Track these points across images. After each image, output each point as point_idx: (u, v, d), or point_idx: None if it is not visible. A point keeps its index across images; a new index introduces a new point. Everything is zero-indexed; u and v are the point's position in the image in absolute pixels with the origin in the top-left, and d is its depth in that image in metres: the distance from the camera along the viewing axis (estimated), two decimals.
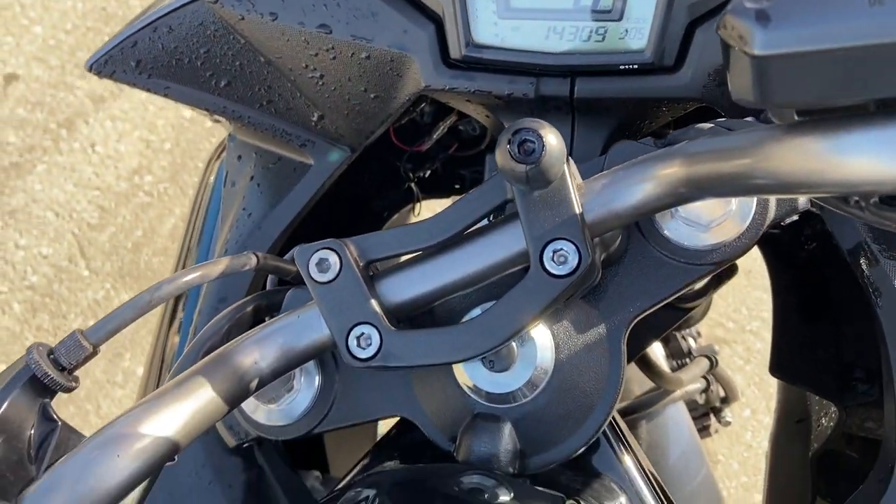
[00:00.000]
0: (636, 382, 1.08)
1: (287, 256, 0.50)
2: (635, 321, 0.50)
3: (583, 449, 0.50)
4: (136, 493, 0.45)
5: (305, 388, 0.54)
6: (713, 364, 1.11)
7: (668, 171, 0.41)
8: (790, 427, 0.82)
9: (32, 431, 0.40)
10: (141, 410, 0.40)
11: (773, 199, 0.48)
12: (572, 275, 0.42)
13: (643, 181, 0.42)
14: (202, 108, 0.67)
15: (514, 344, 0.49)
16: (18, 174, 2.33)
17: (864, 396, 0.65)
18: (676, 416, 1.06)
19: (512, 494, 0.43)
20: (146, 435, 0.39)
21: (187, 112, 2.44)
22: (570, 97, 0.56)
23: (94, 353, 0.43)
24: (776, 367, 0.72)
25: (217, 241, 0.73)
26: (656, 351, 1.08)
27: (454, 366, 0.51)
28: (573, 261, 0.42)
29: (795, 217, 0.49)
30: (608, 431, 0.55)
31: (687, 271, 0.49)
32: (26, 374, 0.41)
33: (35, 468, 0.39)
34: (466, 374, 0.50)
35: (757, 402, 1.97)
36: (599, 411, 0.50)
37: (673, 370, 1.10)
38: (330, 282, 0.45)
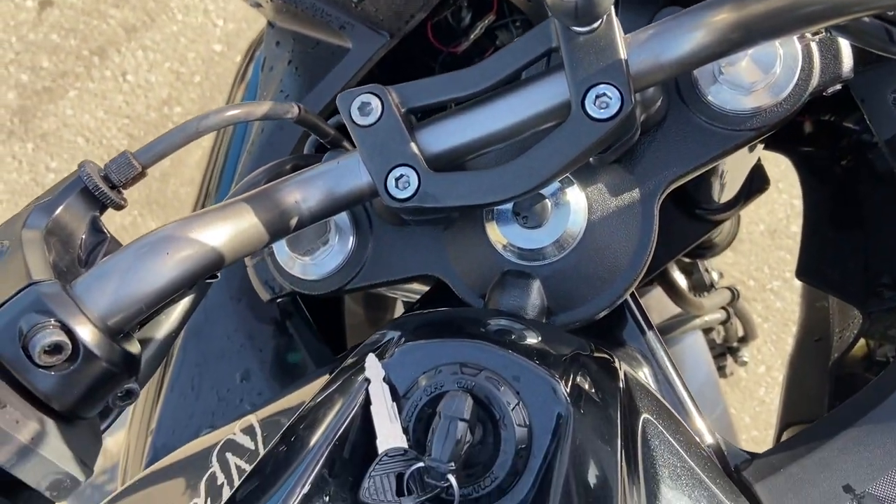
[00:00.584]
0: (655, 311, 1.09)
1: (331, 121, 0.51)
2: (670, 188, 0.51)
3: (607, 310, 0.51)
4: (180, 311, 0.47)
5: (339, 245, 0.55)
6: (735, 296, 1.12)
7: (718, 18, 0.41)
8: (809, 345, 0.82)
9: (83, 239, 0.42)
10: (190, 220, 0.41)
11: (817, 66, 0.48)
12: (613, 119, 0.42)
13: (693, 30, 0.42)
14: None
15: (548, 201, 0.50)
16: (51, 99, 2.36)
17: (890, 302, 0.65)
18: (695, 345, 1.07)
19: (540, 337, 0.44)
20: (195, 241, 0.40)
21: (218, 46, 2.45)
22: None
23: (143, 174, 0.44)
24: (803, 272, 0.72)
25: (253, 125, 0.74)
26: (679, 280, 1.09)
27: (487, 223, 0.52)
28: (615, 105, 0.42)
29: (838, 87, 0.48)
30: (633, 306, 0.56)
31: (727, 137, 0.49)
32: (78, 186, 0.42)
33: (85, 272, 0.40)
34: (499, 231, 0.51)
35: (772, 359, 1.97)
36: (628, 273, 0.51)
37: None
38: (371, 125, 0.46)
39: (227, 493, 0.45)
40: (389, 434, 0.40)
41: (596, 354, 0.45)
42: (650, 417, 0.46)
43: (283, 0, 0.69)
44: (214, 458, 0.48)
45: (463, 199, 0.45)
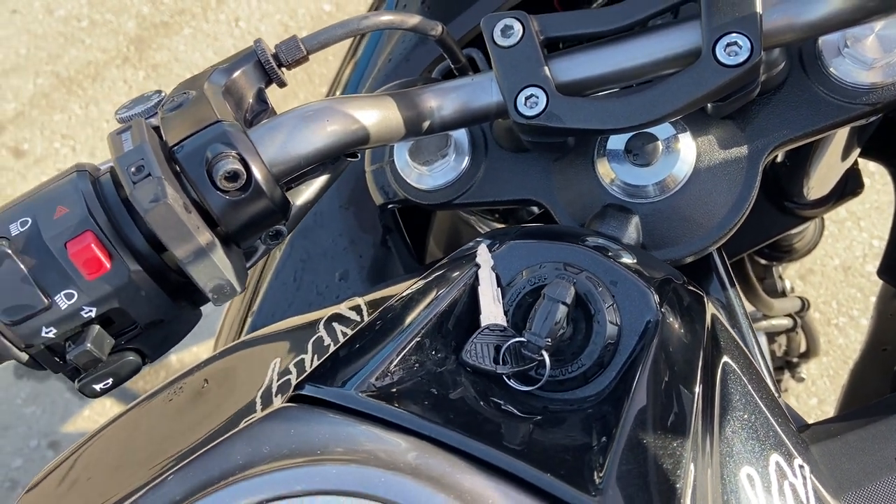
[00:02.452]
0: None
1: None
2: (777, 150, 0.54)
3: (696, 256, 0.54)
4: (318, 185, 0.52)
5: (455, 161, 0.60)
6: (805, 307, 1.12)
7: None
8: (875, 353, 0.83)
9: (250, 104, 0.48)
10: (346, 100, 0.46)
11: None
12: (741, 66, 0.46)
13: None
14: None
15: (660, 143, 0.53)
16: (167, 33, 2.48)
17: None
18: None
19: (636, 258, 0.48)
20: (349, 117, 0.45)
21: (327, 6, 2.53)
22: None
23: (306, 58, 0.50)
24: (885, 270, 0.73)
25: (381, 53, 0.80)
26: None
27: (597, 159, 0.55)
28: (744, 54, 0.46)
29: None
30: (719, 261, 0.59)
31: (841, 108, 0.52)
32: (252, 59, 0.48)
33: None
34: (608, 166, 0.55)
35: (826, 393, 1.94)
36: (723, 223, 0.54)
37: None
38: (510, 47, 0.50)
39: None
40: (492, 312, 0.44)
41: (689, 286, 0.49)
42: (730, 361, 0.49)
43: None
44: (321, 326, 0.54)
45: (586, 122, 0.49)
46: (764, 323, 1.05)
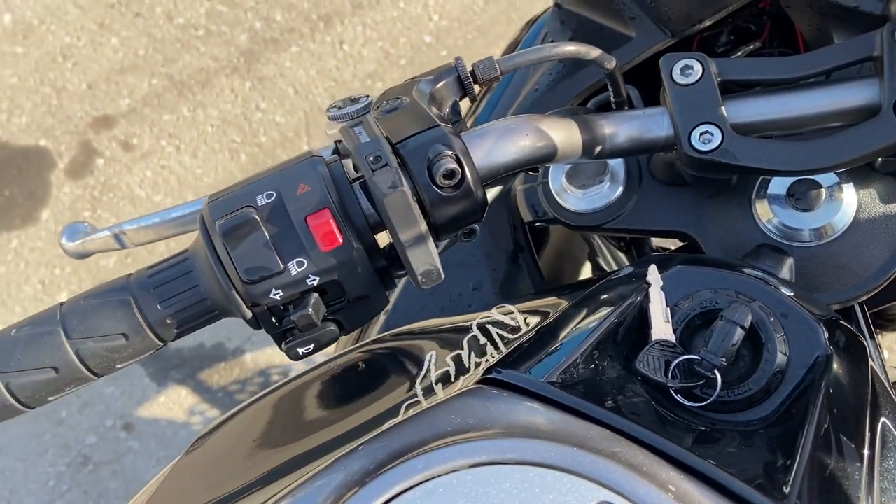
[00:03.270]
0: None
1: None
2: None
3: (843, 304, 0.56)
4: (491, 195, 0.56)
5: (609, 189, 0.63)
6: None
7: None
8: None
9: (445, 114, 0.52)
10: (538, 117, 0.50)
11: None
12: None
13: None
14: None
15: (823, 190, 0.55)
16: (275, 49, 2.60)
17: None
18: None
19: (793, 293, 0.49)
20: (542, 133, 0.49)
21: (428, 37, 2.62)
22: None
23: (498, 77, 0.54)
24: None
25: (523, 83, 0.84)
26: None
27: (756, 199, 0.58)
28: None
29: None
30: (861, 314, 0.60)
31: None
32: (452, 74, 0.52)
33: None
34: (767, 206, 0.57)
35: None
36: (875, 276, 0.55)
37: None
38: (688, 85, 0.54)
39: (490, 350, 0.53)
40: (662, 329, 0.47)
41: (851, 329, 0.50)
42: (886, 408, 0.50)
43: None
44: (475, 327, 0.57)
45: (760, 162, 0.51)
46: None
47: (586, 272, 0.98)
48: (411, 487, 0.34)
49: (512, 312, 0.58)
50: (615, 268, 0.89)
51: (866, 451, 0.42)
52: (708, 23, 0.75)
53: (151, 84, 2.48)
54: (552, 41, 0.87)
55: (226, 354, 1.97)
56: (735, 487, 0.35)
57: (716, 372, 0.44)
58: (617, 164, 0.63)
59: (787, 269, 0.55)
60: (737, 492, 0.35)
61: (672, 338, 0.46)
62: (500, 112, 0.83)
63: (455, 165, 0.44)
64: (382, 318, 0.75)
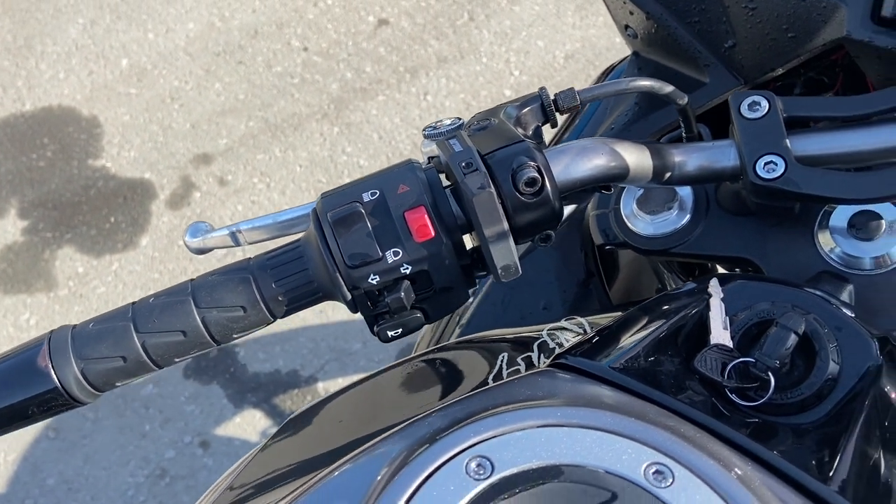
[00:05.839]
0: None
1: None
2: None
3: None
4: (567, 211, 0.61)
5: (677, 216, 0.67)
6: None
7: None
8: None
9: (530, 135, 0.58)
10: (614, 141, 0.56)
11: None
12: None
13: None
14: (644, 9, 0.84)
15: (883, 221, 0.58)
16: (363, 98, 2.76)
17: None
18: None
19: (853, 314, 0.52)
20: (616, 154, 0.55)
21: (508, 91, 2.73)
22: None
23: (577, 107, 0.60)
24: None
25: (599, 124, 0.90)
26: None
27: (819, 229, 0.61)
28: None
29: None
30: None
31: None
32: (537, 101, 0.59)
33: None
34: (829, 236, 0.60)
35: None
36: None
37: None
38: (755, 119, 0.58)
39: (558, 351, 0.57)
40: (721, 335, 0.51)
41: None
42: None
43: (668, 33, 0.84)
44: (545, 334, 0.62)
45: (822, 190, 0.55)
46: None
47: None
48: (481, 442, 0.38)
49: (581, 324, 0.62)
50: None
51: None
52: (780, 71, 0.79)
53: (248, 126, 2.66)
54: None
55: (299, 382, 2.06)
56: (781, 465, 0.38)
57: (769, 374, 0.47)
58: (686, 193, 0.68)
59: (846, 294, 0.58)
60: (783, 469, 0.38)
61: (730, 343, 0.50)
62: None
63: (536, 175, 0.50)
64: (458, 330, 0.80)
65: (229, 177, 2.54)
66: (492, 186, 0.49)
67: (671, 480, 0.36)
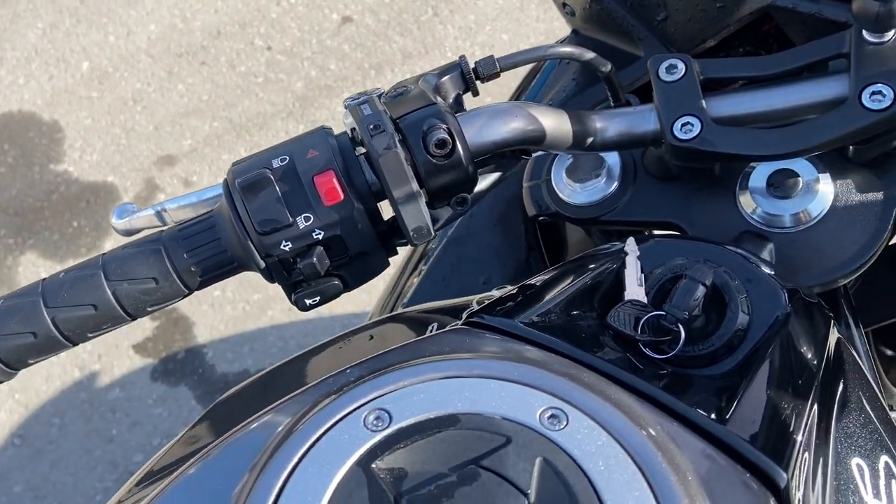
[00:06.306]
0: None
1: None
2: None
3: (822, 288, 0.59)
4: (489, 180, 0.61)
5: (605, 183, 0.68)
6: None
7: None
8: None
9: (450, 103, 0.58)
10: (528, 104, 0.56)
11: None
12: (884, 112, 0.52)
13: None
14: None
15: (800, 178, 0.59)
16: (328, 95, 2.75)
17: None
18: None
19: (773, 272, 0.53)
20: (530, 117, 0.55)
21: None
22: None
23: (498, 74, 0.60)
24: None
25: (544, 96, 0.90)
26: None
27: (739, 191, 0.62)
28: (887, 102, 0.52)
29: None
30: (847, 305, 0.63)
31: None
32: (456, 69, 0.59)
33: None
34: (749, 196, 0.61)
35: None
36: (851, 260, 0.58)
37: None
38: (673, 82, 0.59)
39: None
40: (635, 291, 0.51)
41: (820, 302, 0.54)
42: (852, 375, 0.52)
43: (601, 7, 0.85)
44: (475, 301, 0.62)
45: (736, 148, 0.56)
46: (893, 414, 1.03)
47: None
48: (382, 396, 0.39)
49: (509, 290, 0.63)
50: None
51: (814, 407, 0.45)
52: (712, 42, 0.80)
53: (212, 126, 2.64)
54: (568, 62, 0.94)
55: None
56: (680, 408, 0.39)
57: (679, 326, 0.48)
58: (613, 160, 0.68)
59: (766, 252, 0.59)
60: (679, 411, 0.39)
61: (644, 299, 0.50)
62: None
63: (446, 136, 0.50)
64: (400, 308, 0.80)
65: (194, 177, 2.52)
66: (398, 147, 0.49)
67: (565, 423, 0.36)
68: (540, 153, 0.62)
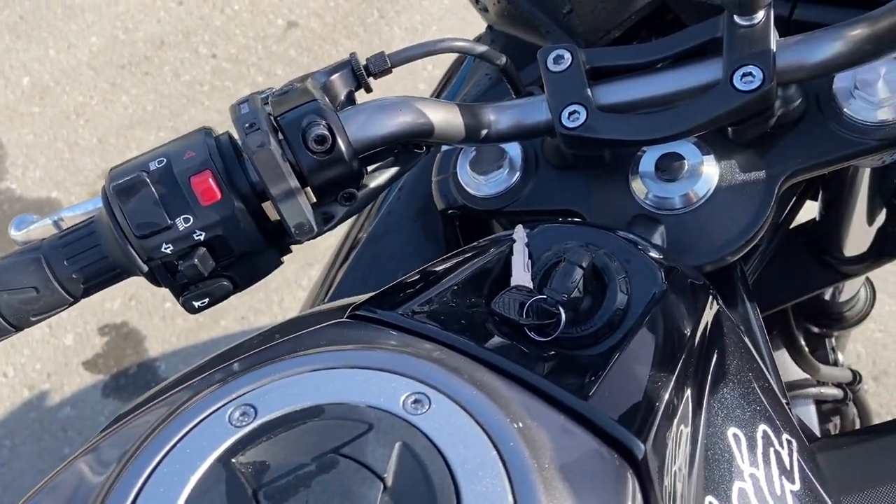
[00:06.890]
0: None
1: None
2: (793, 178, 0.60)
3: (713, 266, 0.60)
4: (387, 175, 0.62)
5: (508, 175, 0.69)
6: (857, 380, 1.12)
7: (855, 32, 0.52)
8: None
9: (341, 102, 0.58)
10: (417, 99, 0.57)
11: None
12: (754, 92, 0.54)
13: (834, 40, 0.53)
14: None
15: (685, 161, 0.61)
16: None
17: None
18: (806, 413, 1.08)
19: (660, 254, 0.54)
20: (418, 111, 0.56)
21: (422, 85, 2.73)
22: (789, 18, 0.67)
23: (389, 70, 0.61)
24: None
25: (460, 95, 0.91)
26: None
27: (632, 177, 0.63)
28: (757, 82, 0.54)
29: None
30: (740, 277, 0.65)
31: (852, 143, 0.58)
32: (347, 66, 0.60)
33: None
34: (640, 181, 0.62)
35: None
36: (738, 237, 0.60)
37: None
38: (560, 72, 0.60)
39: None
40: (521, 277, 0.52)
41: (699, 280, 0.55)
42: (730, 344, 0.54)
43: (509, 3, 0.86)
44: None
45: (619, 134, 0.57)
46: (812, 390, 1.06)
47: None
48: (255, 389, 0.39)
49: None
50: None
51: (684, 380, 0.46)
52: (617, 33, 0.82)
53: (158, 136, 2.60)
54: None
55: None
56: (543, 385, 0.40)
57: (559, 308, 0.49)
58: (515, 151, 0.69)
59: (658, 236, 0.60)
60: (542, 388, 0.40)
61: (530, 284, 0.51)
62: None
63: (325, 132, 0.50)
64: (321, 305, 0.80)
65: None
66: (272, 144, 0.49)
67: (427, 407, 0.37)
68: (448, 148, 0.63)
